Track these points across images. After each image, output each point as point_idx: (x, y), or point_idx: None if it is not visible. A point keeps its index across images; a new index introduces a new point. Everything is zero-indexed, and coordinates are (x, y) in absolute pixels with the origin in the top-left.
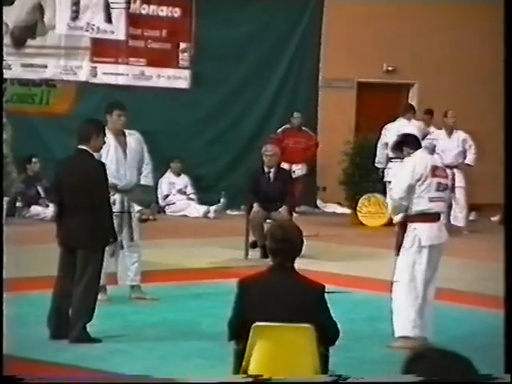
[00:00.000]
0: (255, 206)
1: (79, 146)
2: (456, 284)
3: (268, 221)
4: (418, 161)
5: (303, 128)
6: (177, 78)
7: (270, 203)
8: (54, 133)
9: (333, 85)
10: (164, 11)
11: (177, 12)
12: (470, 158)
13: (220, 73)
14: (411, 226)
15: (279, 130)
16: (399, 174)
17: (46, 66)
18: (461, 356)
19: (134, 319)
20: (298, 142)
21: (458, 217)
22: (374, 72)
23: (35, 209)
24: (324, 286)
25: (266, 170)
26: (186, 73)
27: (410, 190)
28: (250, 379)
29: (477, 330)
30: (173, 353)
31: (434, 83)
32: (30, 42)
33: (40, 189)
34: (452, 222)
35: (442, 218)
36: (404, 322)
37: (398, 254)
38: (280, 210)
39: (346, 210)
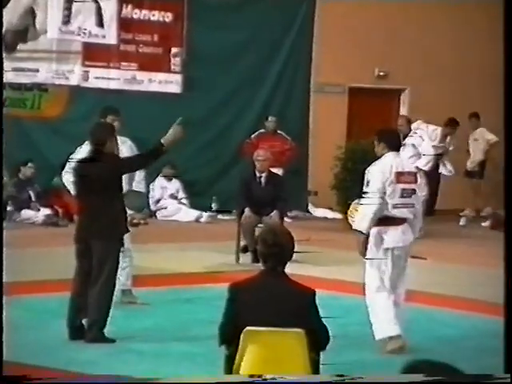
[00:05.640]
0: (247, 211)
1: (97, 148)
2: (447, 289)
3: (259, 225)
4: (384, 166)
5: (278, 132)
6: (168, 82)
7: (262, 208)
8: (46, 137)
9: (325, 90)
10: (156, 16)
11: (168, 17)
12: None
13: (212, 78)
14: (374, 230)
15: (253, 134)
16: (371, 181)
17: (37, 70)
18: (452, 367)
19: (125, 323)
20: (273, 146)
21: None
22: (365, 77)
23: (26, 213)
24: (315, 291)
25: (258, 174)
26: (178, 77)
27: (384, 189)
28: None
29: (470, 334)
30: (164, 357)
31: (426, 89)
32: (21, 46)
33: (32, 193)
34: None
35: (407, 222)
36: (384, 323)
37: (364, 257)
38: (271, 214)
39: (338, 215)
